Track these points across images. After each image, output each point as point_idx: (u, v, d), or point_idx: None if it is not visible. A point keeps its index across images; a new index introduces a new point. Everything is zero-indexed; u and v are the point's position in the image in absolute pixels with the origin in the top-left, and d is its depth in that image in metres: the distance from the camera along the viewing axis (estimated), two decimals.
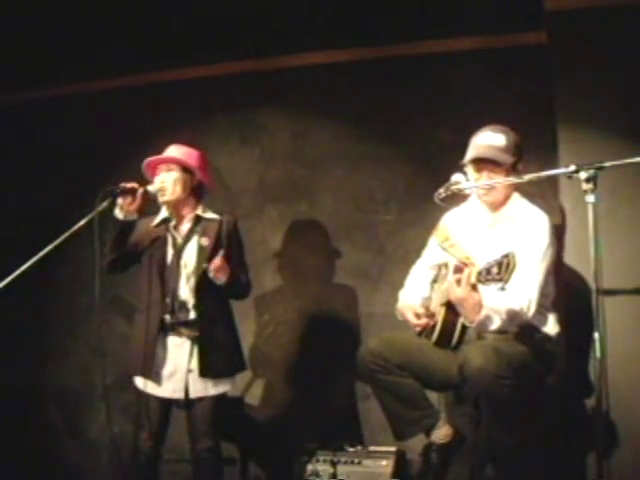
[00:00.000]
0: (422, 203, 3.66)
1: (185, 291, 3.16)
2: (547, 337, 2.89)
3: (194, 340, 3.13)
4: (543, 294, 2.80)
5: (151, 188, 3.15)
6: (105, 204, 3.01)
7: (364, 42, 4.01)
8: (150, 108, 4.31)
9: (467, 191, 2.93)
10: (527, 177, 2.78)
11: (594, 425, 2.46)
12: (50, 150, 4.47)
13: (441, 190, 2.86)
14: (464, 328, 2.85)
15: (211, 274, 3.05)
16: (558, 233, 3.05)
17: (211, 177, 3.37)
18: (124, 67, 4.31)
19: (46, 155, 4.48)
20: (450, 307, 2.84)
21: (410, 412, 2.89)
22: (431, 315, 2.96)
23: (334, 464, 3.45)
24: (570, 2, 3.32)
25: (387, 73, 4.01)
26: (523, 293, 2.73)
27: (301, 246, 4.09)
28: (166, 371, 3.13)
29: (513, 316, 2.72)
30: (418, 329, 2.99)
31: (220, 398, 3.17)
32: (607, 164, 2.49)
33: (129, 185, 3.09)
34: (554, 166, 3.11)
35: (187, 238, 3.21)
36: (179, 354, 3.14)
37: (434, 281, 3.11)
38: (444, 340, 2.88)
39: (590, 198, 2.46)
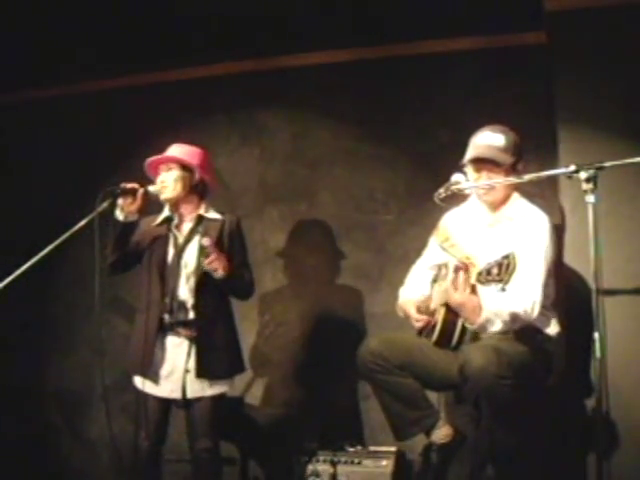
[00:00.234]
0: (422, 203, 3.66)
1: (184, 291, 3.15)
2: (547, 337, 2.89)
3: (192, 340, 3.12)
4: (544, 295, 2.80)
5: (152, 188, 3.15)
6: (105, 204, 3.01)
7: (364, 42, 4.01)
8: (150, 108, 4.31)
9: (467, 191, 2.93)
10: (527, 177, 2.78)
11: (594, 425, 2.46)
12: (50, 150, 4.47)
13: (441, 190, 2.86)
14: (464, 328, 2.85)
15: (207, 267, 3.04)
16: (558, 233, 3.05)
17: (213, 175, 3.36)
18: (124, 67, 4.32)
19: (46, 155, 4.48)
20: (450, 307, 2.84)
21: (410, 412, 2.89)
22: (432, 313, 2.96)
23: (334, 464, 3.44)
24: (570, 2, 3.32)
25: (387, 73, 4.01)
26: (526, 295, 2.73)
27: (301, 246, 4.09)
28: (164, 371, 3.13)
29: (515, 319, 2.73)
30: (419, 324, 2.99)
31: (219, 398, 3.17)
32: (607, 164, 2.49)
33: (129, 185, 3.09)
34: (554, 166, 3.11)
35: (188, 238, 3.21)
36: (177, 354, 3.13)
37: (434, 281, 3.11)
38: (444, 340, 2.88)
39: (590, 198, 2.46)
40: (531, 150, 3.16)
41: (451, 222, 3.09)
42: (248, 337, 3.94)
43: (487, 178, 2.87)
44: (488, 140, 2.89)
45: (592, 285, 2.47)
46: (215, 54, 4.18)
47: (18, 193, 4.47)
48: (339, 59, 4.07)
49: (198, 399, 3.13)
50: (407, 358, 2.88)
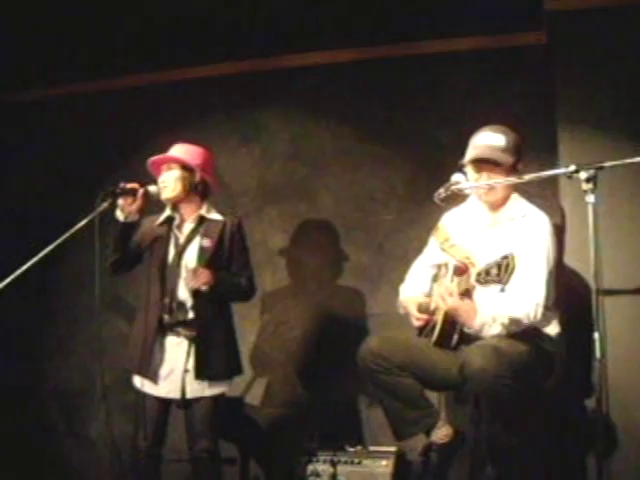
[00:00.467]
0: (422, 203, 3.65)
1: (184, 291, 3.15)
2: (547, 337, 2.88)
3: (192, 340, 3.12)
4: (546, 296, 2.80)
5: (152, 188, 3.15)
6: (105, 204, 3.01)
7: (365, 42, 4.01)
8: (150, 108, 4.31)
9: (467, 191, 2.93)
10: (527, 177, 2.78)
11: (594, 425, 2.46)
12: (50, 150, 4.47)
13: (441, 190, 2.86)
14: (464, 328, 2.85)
15: (189, 286, 3.06)
16: (558, 233, 3.04)
17: (215, 175, 3.35)
18: (124, 67, 4.32)
19: (46, 155, 4.48)
20: None
21: (410, 412, 2.88)
22: (432, 312, 2.96)
23: (334, 464, 3.44)
24: (570, 2, 3.32)
25: (387, 73, 4.01)
26: (529, 298, 2.73)
27: (301, 246, 4.08)
28: (163, 371, 3.13)
29: (516, 322, 2.73)
30: (420, 323, 2.99)
31: (218, 399, 3.16)
32: (607, 164, 2.49)
33: (129, 185, 3.09)
34: (554, 166, 3.11)
35: (189, 238, 3.21)
36: (177, 354, 3.13)
37: (434, 280, 3.11)
38: (444, 340, 2.88)
39: (590, 198, 2.46)
40: (531, 150, 3.16)
41: (451, 222, 3.09)
42: (248, 337, 3.94)
43: (487, 178, 2.87)
44: (488, 140, 2.89)
45: (592, 285, 2.46)
46: (215, 54, 4.18)
47: (18, 193, 4.47)
48: (339, 59, 4.07)
49: (197, 399, 3.13)
50: (407, 358, 2.88)
